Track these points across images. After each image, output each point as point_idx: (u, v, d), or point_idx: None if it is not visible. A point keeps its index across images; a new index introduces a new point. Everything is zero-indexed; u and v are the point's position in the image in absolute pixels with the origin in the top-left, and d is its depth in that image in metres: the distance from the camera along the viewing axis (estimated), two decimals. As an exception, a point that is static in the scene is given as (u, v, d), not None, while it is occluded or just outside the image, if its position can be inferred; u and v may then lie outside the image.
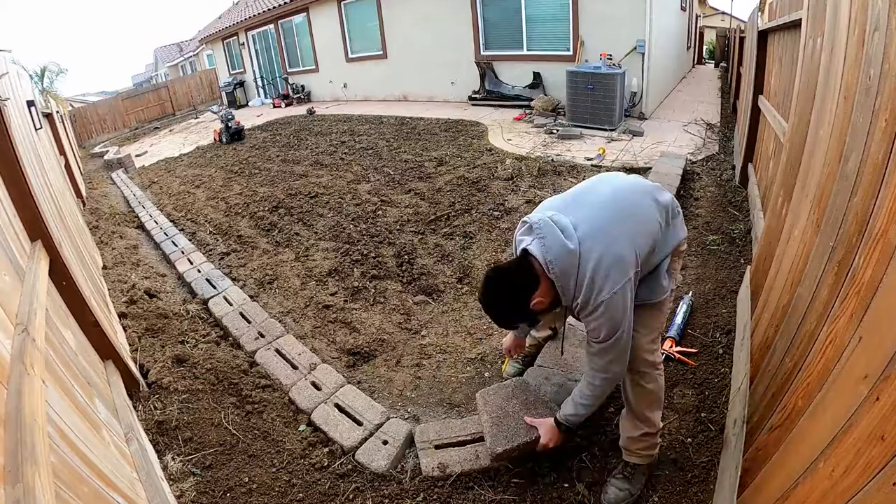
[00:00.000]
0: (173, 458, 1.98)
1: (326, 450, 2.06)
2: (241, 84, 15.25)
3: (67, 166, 5.82)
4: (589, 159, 5.17)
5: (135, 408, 2.16)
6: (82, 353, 1.87)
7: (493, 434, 1.83)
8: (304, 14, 12.05)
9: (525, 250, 1.37)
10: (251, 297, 3.33)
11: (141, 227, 5.28)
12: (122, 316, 2.97)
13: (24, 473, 0.86)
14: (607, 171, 4.78)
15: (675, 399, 2.11)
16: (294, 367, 2.55)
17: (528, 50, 8.11)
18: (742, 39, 7.01)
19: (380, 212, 4.55)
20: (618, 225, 1.36)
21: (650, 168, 4.67)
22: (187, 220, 5.20)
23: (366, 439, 2.07)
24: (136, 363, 2.46)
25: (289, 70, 13.50)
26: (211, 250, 4.28)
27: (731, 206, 3.93)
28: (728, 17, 18.40)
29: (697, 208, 4.00)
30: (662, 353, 2.34)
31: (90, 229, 4.64)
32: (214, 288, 3.47)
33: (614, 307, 1.32)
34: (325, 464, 2.02)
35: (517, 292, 1.38)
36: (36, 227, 1.91)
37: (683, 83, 10.85)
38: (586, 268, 1.31)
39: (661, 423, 1.70)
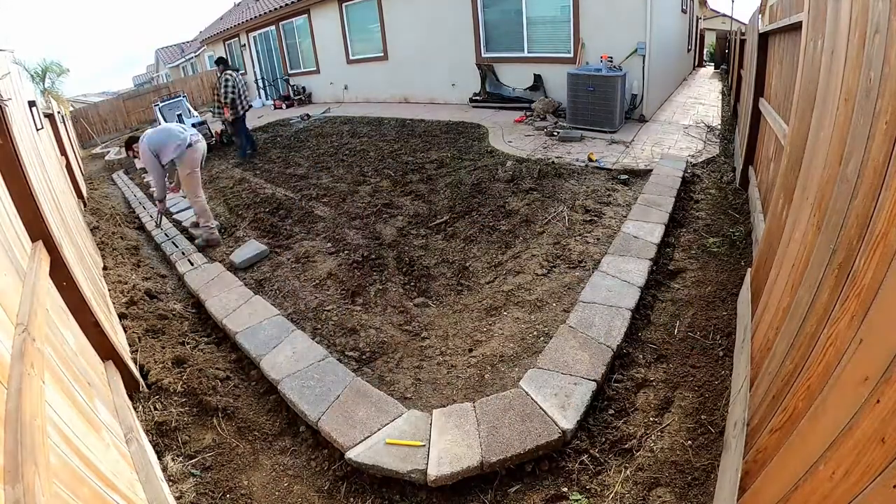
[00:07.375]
0: (173, 459, 1.98)
1: (327, 451, 2.06)
2: (243, 85, 15.27)
3: (68, 167, 5.83)
4: (590, 161, 5.17)
5: (135, 408, 2.16)
6: (82, 353, 1.87)
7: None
8: (306, 15, 12.07)
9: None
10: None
11: (141, 227, 5.29)
12: (122, 316, 2.97)
13: (23, 473, 0.86)
14: (608, 172, 4.79)
15: (676, 401, 2.11)
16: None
17: (528, 52, 8.12)
18: (742, 42, 7.03)
19: (380, 214, 4.55)
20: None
21: (651, 170, 4.67)
22: (188, 220, 5.19)
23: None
24: (136, 364, 2.46)
25: (290, 71, 13.52)
26: (211, 251, 4.26)
27: (732, 208, 3.93)
28: (729, 20, 18.40)
29: (698, 210, 3.99)
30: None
31: (91, 230, 4.64)
32: (215, 289, 3.47)
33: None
34: (326, 465, 2.02)
35: None
36: (37, 227, 1.91)
37: (684, 85, 10.86)
38: None
39: None
